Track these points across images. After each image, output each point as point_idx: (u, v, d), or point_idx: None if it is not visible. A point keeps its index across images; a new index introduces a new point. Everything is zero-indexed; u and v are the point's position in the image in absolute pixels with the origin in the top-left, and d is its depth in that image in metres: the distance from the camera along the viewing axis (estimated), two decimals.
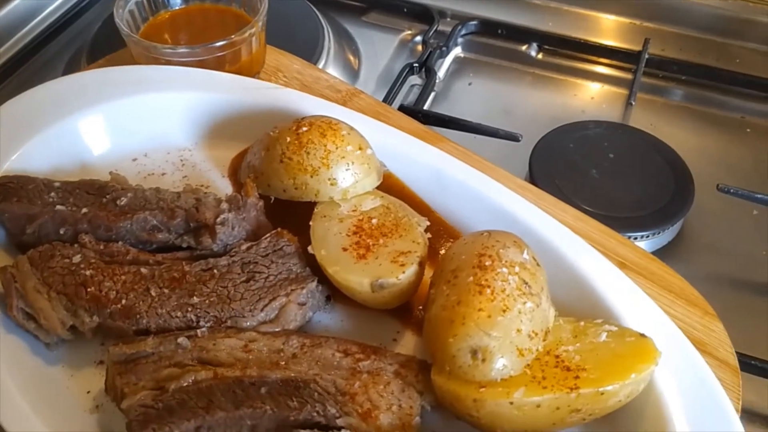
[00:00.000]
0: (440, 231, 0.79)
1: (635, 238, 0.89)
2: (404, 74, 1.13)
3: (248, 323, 0.66)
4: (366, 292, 0.67)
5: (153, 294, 0.66)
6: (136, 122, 0.87)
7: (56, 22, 1.23)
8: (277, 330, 0.66)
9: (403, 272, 0.67)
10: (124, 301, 0.65)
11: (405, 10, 1.26)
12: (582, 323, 0.66)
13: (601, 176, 0.97)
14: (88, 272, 0.67)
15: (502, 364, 0.60)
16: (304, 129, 0.77)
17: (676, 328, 0.68)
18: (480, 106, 1.14)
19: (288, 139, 0.77)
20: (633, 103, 1.11)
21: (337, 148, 0.76)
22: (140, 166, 0.86)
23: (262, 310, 0.67)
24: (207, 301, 0.66)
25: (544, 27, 1.23)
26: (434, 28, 1.21)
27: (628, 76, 1.17)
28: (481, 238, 0.67)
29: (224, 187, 0.85)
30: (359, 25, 1.26)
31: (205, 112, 0.88)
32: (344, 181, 0.76)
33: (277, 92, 0.89)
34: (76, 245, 0.70)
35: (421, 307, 0.72)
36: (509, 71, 1.20)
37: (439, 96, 1.16)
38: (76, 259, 0.68)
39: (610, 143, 1.01)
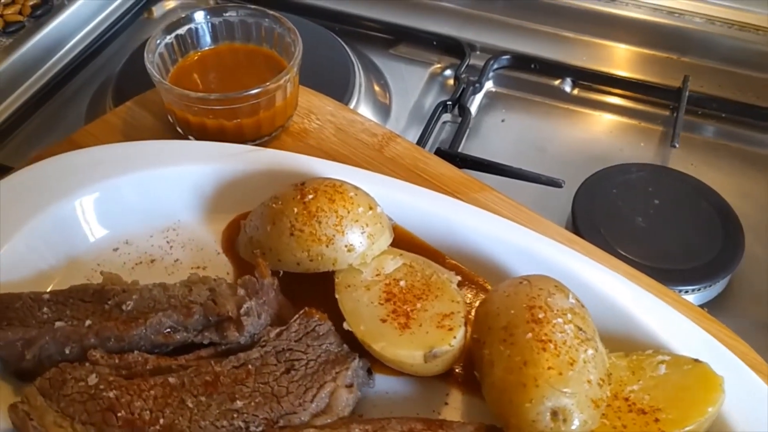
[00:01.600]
0: (462, 281, 0.76)
1: (685, 292, 0.87)
2: (438, 113, 1.10)
3: (301, 418, 0.61)
4: (418, 364, 0.64)
5: (190, 405, 0.60)
6: (110, 207, 0.79)
7: (79, 56, 1.17)
8: (333, 420, 0.62)
9: (454, 337, 0.64)
10: (162, 420, 0.59)
11: (434, 43, 1.22)
12: (634, 357, 0.66)
13: (646, 224, 0.94)
14: (111, 393, 0.60)
15: (582, 420, 0.58)
16: (311, 197, 0.72)
17: (721, 347, 0.69)
18: (513, 144, 1.11)
19: (295, 209, 0.72)
20: (677, 145, 1.06)
21: (348, 212, 0.72)
22: (124, 256, 0.79)
23: (312, 401, 0.62)
24: (252, 403, 0.61)
25: (578, 62, 1.20)
26: (466, 63, 1.17)
27: (665, 112, 1.14)
28: (522, 288, 0.66)
29: (223, 265, 0.78)
30: (387, 58, 1.22)
31: (183, 186, 0.82)
32: (361, 245, 0.72)
33: (256, 155, 0.84)
34: (86, 364, 0.62)
35: (475, 373, 0.69)
36: (543, 107, 1.17)
37: (471, 132, 1.12)
38: (92, 380, 0.61)
39: (654, 188, 0.98)
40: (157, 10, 1.28)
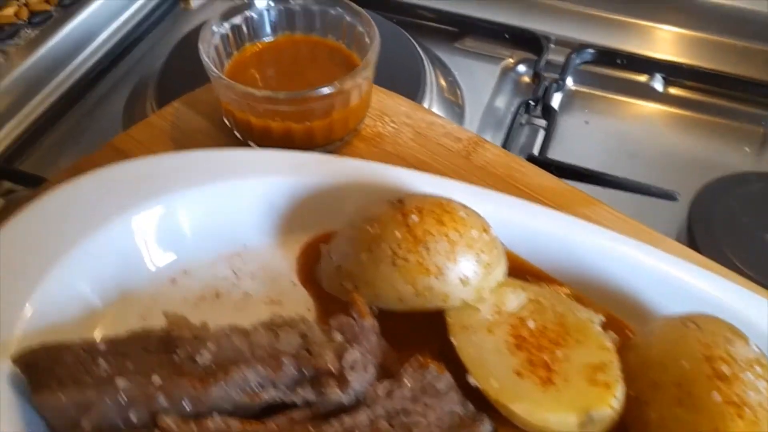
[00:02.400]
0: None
1: None
2: (520, 114, 0.98)
3: None
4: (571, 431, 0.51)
5: None
6: (166, 231, 0.67)
7: (112, 50, 1.05)
8: None
9: (614, 396, 0.52)
10: None
11: (506, 35, 1.09)
12: None
13: None
14: None
15: None
16: (415, 218, 0.60)
17: None
18: (599, 148, 0.98)
19: (397, 234, 0.59)
20: None
21: (461, 237, 0.60)
22: (184, 289, 0.66)
23: None
24: None
25: (670, 56, 1.07)
26: (544, 58, 1.04)
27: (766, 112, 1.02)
28: (691, 333, 0.53)
29: (301, 299, 0.66)
30: (452, 53, 1.09)
31: (250, 204, 0.69)
32: (476, 276, 0.59)
33: (335, 165, 0.72)
34: None
35: None
36: (631, 107, 1.04)
37: (552, 135, 0.99)
38: None
39: None
40: (194, 0, 1.16)
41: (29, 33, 0.97)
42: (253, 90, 0.74)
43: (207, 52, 0.78)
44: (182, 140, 0.81)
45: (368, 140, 0.84)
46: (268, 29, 0.84)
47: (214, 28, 0.80)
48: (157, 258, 0.67)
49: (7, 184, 0.88)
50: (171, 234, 0.67)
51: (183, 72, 0.96)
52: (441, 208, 0.61)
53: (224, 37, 0.81)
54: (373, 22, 0.79)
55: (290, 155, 0.71)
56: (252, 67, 0.84)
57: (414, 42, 1.04)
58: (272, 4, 0.83)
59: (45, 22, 0.98)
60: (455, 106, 1.01)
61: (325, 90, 0.73)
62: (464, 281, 0.59)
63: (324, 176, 0.70)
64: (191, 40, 1.00)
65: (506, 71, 1.08)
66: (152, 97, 0.96)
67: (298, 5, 0.83)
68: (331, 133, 0.79)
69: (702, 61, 1.06)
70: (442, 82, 1.03)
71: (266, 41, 0.85)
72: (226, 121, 0.81)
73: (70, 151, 0.93)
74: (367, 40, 0.80)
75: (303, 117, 0.76)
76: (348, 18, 0.82)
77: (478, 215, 0.62)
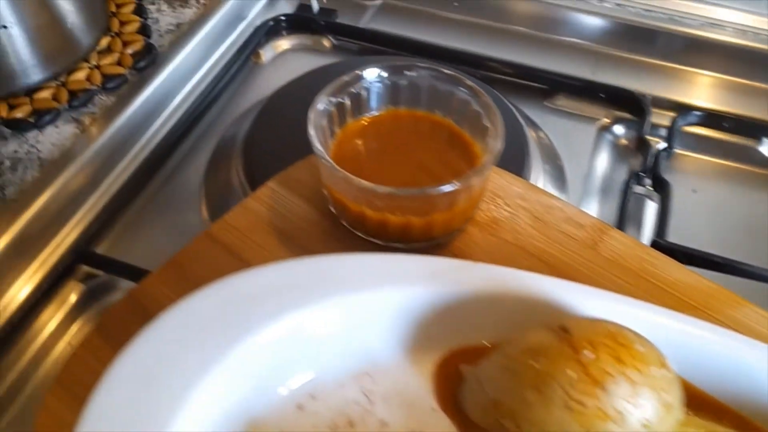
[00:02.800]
0: None
1: None
2: (630, 188, 0.91)
3: None
4: None
5: None
6: (289, 350, 0.60)
7: (186, 115, 0.98)
8: None
9: None
10: None
11: (602, 95, 1.03)
12: None
13: None
14: None
15: None
16: (589, 354, 0.53)
17: None
18: (710, 222, 0.91)
19: (570, 373, 0.53)
20: None
21: (642, 375, 0.53)
22: (313, 416, 0.59)
23: None
24: None
25: None
26: (648, 122, 0.98)
27: None
28: None
29: (445, 429, 0.59)
30: (543, 112, 1.03)
31: (379, 316, 0.62)
32: (658, 418, 0.53)
33: (472, 272, 0.65)
34: None
35: None
36: (741, 174, 0.97)
37: (667, 212, 0.91)
38: None
39: None
40: (265, 53, 1.10)
41: (104, 100, 0.90)
42: (374, 186, 0.67)
43: (318, 137, 0.71)
44: (284, 228, 0.75)
45: (484, 227, 0.77)
46: (372, 103, 0.78)
47: (321, 106, 0.74)
48: (282, 380, 0.60)
49: (85, 268, 0.82)
50: (297, 354, 0.60)
51: (269, 139, 0.90)
52: (615, 341, 0.54)
53: (329, 116, 0.75)
54: (494, 106, 0.72)
55: (425, 262, 0.65)
56: (357, 147, 0.77)
57: (510, 104, 0.98)
58: (384, 74, 0.76)
59: (120, 87, 0.91)
60: (557, 175, 0.94)
61: (451, 187, 0.67)
62: (647, 425, 0.52)
63: (462, 285, 0.63)
64: (274, 104, 0.94)
65: (602, 132, 1.01)
66: (238, 166, 0.89)
67: (407, 78, 0.77)
68: (450, 224, 0.73)
69: None
70: (542, 149, 0.96)
71: (370, 116, 0.79)
72: (332, 209, 0.75)
73: (146, 229, 0.87)
74: (487, 123, 0.73)
75: (425, 211, 0.70)
76: (461, 94, 0.76)
77: (653, 347, 0.56)
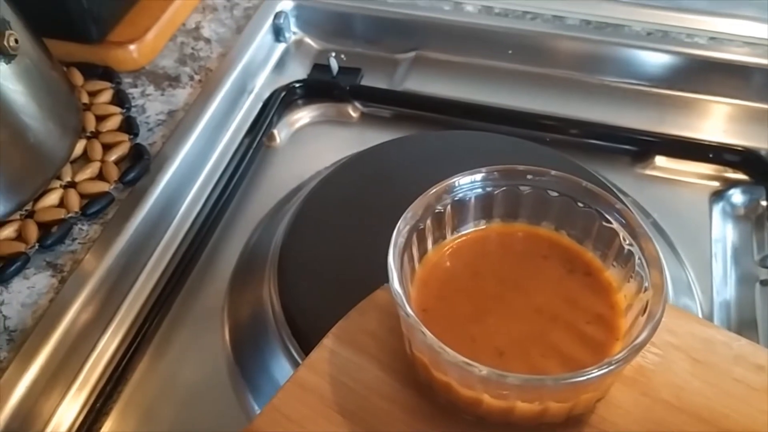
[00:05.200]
0: None
1: None
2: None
3: None
4: None
5: None
6: None
7: (197, 227, 0.76)
8: None
9: None
10: None
11: (710, 155, 0.82)
12: None
13: None
14: None
15: None
16: None
17: None
18: None
19: None
20: None
21: None
22: None
23: None
24: None
25: None
26: None
27: None
28: None
29: None
30: (637, 181, 0.81)
31: None
32: None
33: None
34: None
35: None
36: None
37: None
38: None
39: None
40: (280, 132, 0.88)
41: (86, 230, 0.68)
42: (501, 375, 0.45)
43: (397, 279, 0.50)
44: (355, 409, 0.53)
45: (631, 383, 0.56)
46: (468, 217, 0.57)
47: (402, 238, 0.52)
48: None
49: None
50: None
51: (309, 250, 0.69)
52: None
53: (409, 244, 0.54)
54: (658, 253, 0.50)
55: None
56: (450, 280, 0.56)
57: (595, 173, 0.77)
58: (480, 184, 0.55)
59: (105, 210, 0.69)
60: (677, 273, 0.74)
61: (611, 367, 0.46)
62: None
63: None
64: (307, 210, 0.73)
65: (714, 201, 0.81)
66: (271, 286, 0.67)
67: (526, 185, 0.56)
68: (596, 398, 0.52)
69: None
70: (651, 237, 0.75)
71: (465, 233, 0.58)
72: (420, 376, 0.53)
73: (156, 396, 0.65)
74: (638, 259, 0.51)
75: (569, 397, 0.49)
76: (601, 217, 0.54)
77: None
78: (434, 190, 0.54)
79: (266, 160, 0.85)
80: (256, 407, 0.65)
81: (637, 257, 0.51)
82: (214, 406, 0.64)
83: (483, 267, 0.57)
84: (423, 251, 0.56)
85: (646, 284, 0.50)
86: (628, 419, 0.53)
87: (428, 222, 0.55)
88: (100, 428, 0.62)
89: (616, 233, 0.53)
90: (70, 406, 0.62)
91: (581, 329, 0.52)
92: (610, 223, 0.53)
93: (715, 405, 0.54)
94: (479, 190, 0.56)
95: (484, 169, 0.55)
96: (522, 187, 0.56)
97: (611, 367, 0.46)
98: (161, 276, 0.71)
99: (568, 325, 0.53)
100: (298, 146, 0.87)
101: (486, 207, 0.57)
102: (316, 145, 0.87)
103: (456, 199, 0.55)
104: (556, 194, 0.56)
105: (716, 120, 0.88)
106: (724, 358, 0.57)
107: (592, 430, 0.52)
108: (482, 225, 0.58)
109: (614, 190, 0.76)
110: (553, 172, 0.56)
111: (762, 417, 0.53)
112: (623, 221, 0.53)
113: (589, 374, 0.45)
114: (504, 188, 0.56)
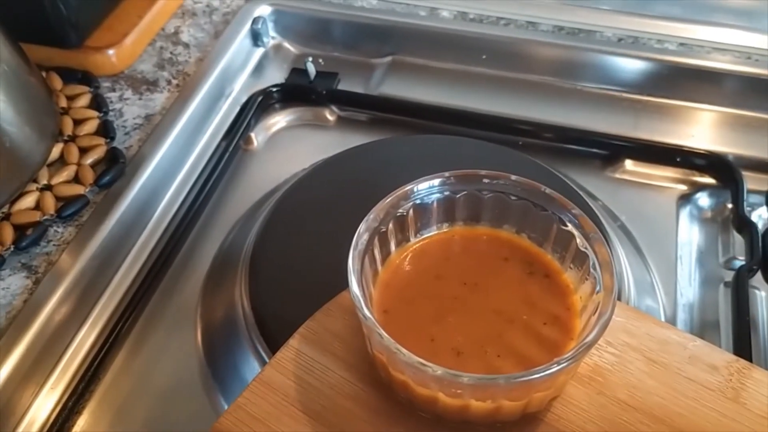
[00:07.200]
0: None
1: None
2: (742, 282, 0.71)
3: None
4: None
5: None
6: None
7: (172, 230, 0.77)
8: None
9: None
10: None
11: (678, 159, 0.84)
12: None
13: None
14: None
15: None
16: None
17: None
18: None
19: None
20: None
21: None
22: None
23: None
24: None
25: None
26: (743, 194, 0.78)
27: None
28: None
29: None
30: (605, 184, 0.83)
31: None
32: None
33: None
34: None
35: None
36: None
37: None
38: None
39: None
40: (257, 136, 0.89)
41: (62, 232, 0.69)
42: (455, 375, 0.47)
43: (357, 283, 0.52)
44: (320, 409, 0.55)
45: (587, 382, 0.57)
46: (431, 221, 0.59)
47: (363, 239, 0.54)
48: None
49: None
50: None
51: (281, 252, 0.70)
52: None
53: (371, 254, 0.55)
54: (605, 244, 0.52)
55: None
56: (412, 282, 0.57)
57: (563, 176, 0.79)
58: (440, 188, 0.56)
59: (80, 213, 0.71)
60: (641, 273, 0.75)
61: (563, 364, 0.47)
62: None
63: None
64: (280, 212, 0.74)
65: (681, 205, 0.83)
66: (242, 288, 0.68)
67: (486, 190, 0.57)
68: (550, 395, 0.54)
69: None
70: (615, 234, 0.77)
71: (428, 236, 0.59)
72: (381, 376, 0.55)
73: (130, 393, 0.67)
74: (584, 248, 0.54)
75: (521, 396, 0.50)
76: (540, 211, 0.56)
77: None
78: (393, 195, 0.56)
79: (243, 163, 0.86)
80: (227, 407, 0.66)
81: (591, 260, 0.53)
82: (186, 405, 0.66)
83: (445, 269, 0.58)
84: (386, 254, 0.57)
85: (599, 287, 0.52)
86: (584, 417, 0.55)
87: (390, 225, 0.56)
88: (73, 426, 0.63)
89: (573, 236, 0.55)
90: (44, 405, 0.63)
91: (538, 330, 0.54)
92: (567, 226, 0.55)
93: (669, 404, 0.56)
94: (440, 194, 0.57)
95: (443, 174, 0.57)
96: (483, 191, 0.58)
97: (560, 366, 0.47)
98: (136, 276, 0.72)
99: (526, 325, 0.54)
100: (275, 149, 0.88)
101: (448, 210, 0.59)
102: (293, 149, 0.88)
103: (418, 203, 0.57)
104: (515, 198, 0.57)
105: (686, 125, 0.90)
106: (678, 359, 0.58)
107: (548, 428, 0.54)
108: (445, 228, 0.59)
109: (582, 194, 0.77)
110: (512, 177, 0.57)
111: (716, 416, 0.55)
112: (578, 224, 0.54)
113: (539, 373, 0.47)
114: (465, 192, 0.58)
